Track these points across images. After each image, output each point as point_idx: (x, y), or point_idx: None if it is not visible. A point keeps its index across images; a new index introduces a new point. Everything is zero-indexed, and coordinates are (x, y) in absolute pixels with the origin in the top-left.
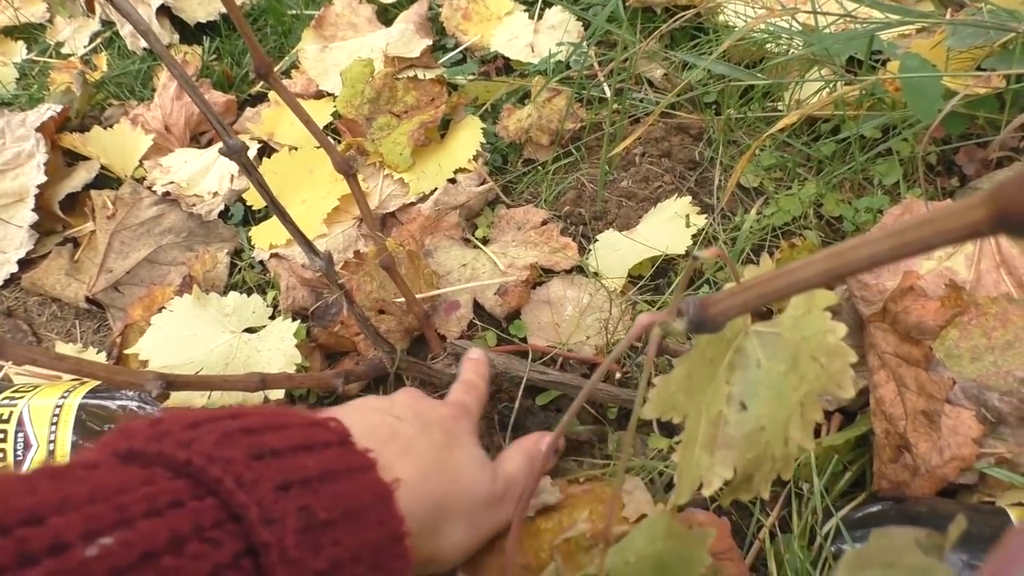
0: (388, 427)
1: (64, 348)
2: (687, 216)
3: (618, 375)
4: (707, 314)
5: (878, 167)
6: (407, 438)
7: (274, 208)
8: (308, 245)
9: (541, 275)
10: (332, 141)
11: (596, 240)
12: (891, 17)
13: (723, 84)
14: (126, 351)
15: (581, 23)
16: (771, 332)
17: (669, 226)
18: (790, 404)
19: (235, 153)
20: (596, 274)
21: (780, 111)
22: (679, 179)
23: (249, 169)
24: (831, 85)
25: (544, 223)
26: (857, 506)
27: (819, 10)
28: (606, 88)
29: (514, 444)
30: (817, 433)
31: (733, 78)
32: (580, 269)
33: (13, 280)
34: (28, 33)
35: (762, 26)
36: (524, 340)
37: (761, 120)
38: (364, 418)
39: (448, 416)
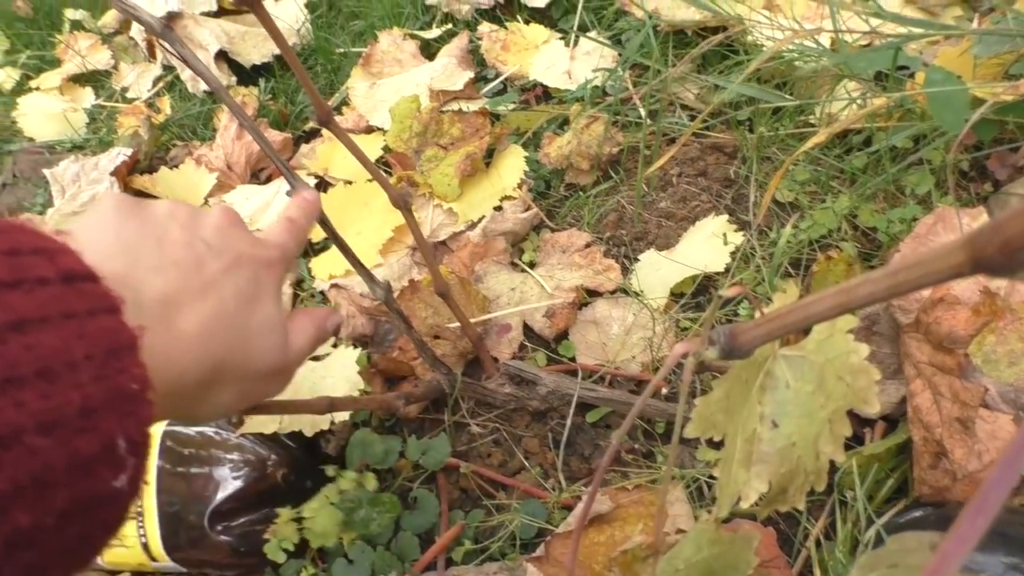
0: (193, 254)
1: None
2: (724, 234)
3: (664, 391)
4: (736, 342)
5: (910, 177)
6: (211, 275)
7: (336, 243)
8: (368, 276)
9: (586, 297)
10: (385, 175)
11: (638, 260)
12: (914, 31)
13: (755, 105)
14: None
15: (615, 48)
16: (797, 355)
17: (708, 244)
18: (819, 421)
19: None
20: (639, 294)
21: (812, 126)
22: (716, 197)
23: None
24: (860, 100)
25: (587, 246)
26: (899, 512)
27: (843, 28)
28: (641, 112)
29: (305, 314)
30: (860, 442)
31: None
32: (624, 289)
33: None
34: (95, 80)
35: (790, 46)
36: (573, 360)
37: (793, 137)
38: (167, 233)
39: (262, 261)
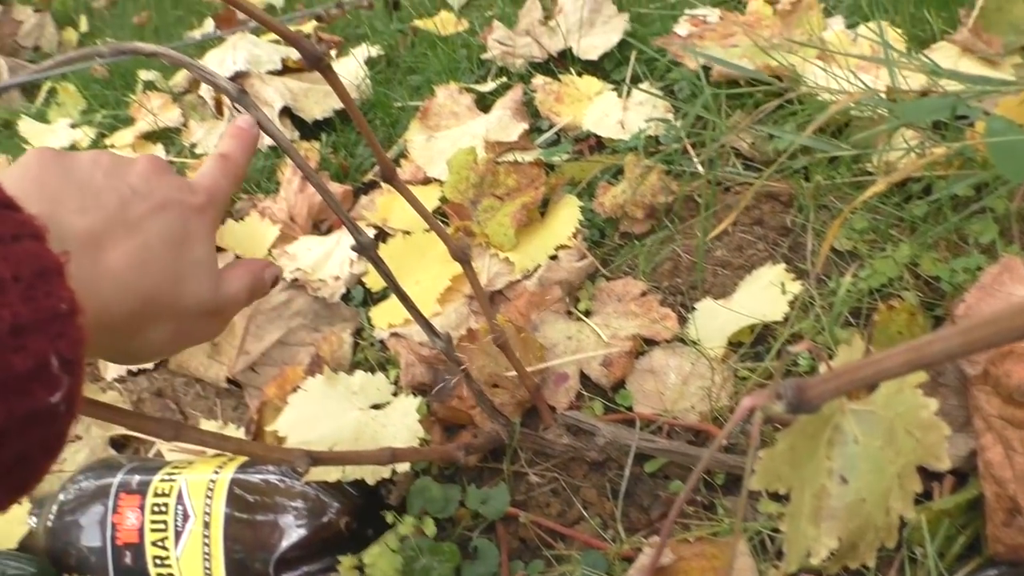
0: (118, 198)
1: (207, 425)
2: (782, 283)
3: (724, 441)
4: (805, 397)
5: (973, 226)
6: (136, 217)
7: (397, 293)
8: (428, 326)
9: (643, 345)
10: (443, 226)
11: (694, 309)
12: (972, 88)
13: (811, 154)
14: (265, 427)
15: (668, 98)
16: (866, 410)
17: (765, 293)
18: (888, 476)
19: (366, 250)
20: (696, 343)
21: (869, 174)
22: (772, 246)
23: (378, 262)
24: (919, 149)
25: (643, 294)
26: (972, 571)
27: (901, 87)
28: (698, 166)
29: (243, 263)
30: (928, 496)
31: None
32: (681, 338)
33: (162, 363)
34: (166, 136)
35: (842, 96)
36: (630, 409)
37: (850, 185)
38: (91, 180)
39: (191, 206)
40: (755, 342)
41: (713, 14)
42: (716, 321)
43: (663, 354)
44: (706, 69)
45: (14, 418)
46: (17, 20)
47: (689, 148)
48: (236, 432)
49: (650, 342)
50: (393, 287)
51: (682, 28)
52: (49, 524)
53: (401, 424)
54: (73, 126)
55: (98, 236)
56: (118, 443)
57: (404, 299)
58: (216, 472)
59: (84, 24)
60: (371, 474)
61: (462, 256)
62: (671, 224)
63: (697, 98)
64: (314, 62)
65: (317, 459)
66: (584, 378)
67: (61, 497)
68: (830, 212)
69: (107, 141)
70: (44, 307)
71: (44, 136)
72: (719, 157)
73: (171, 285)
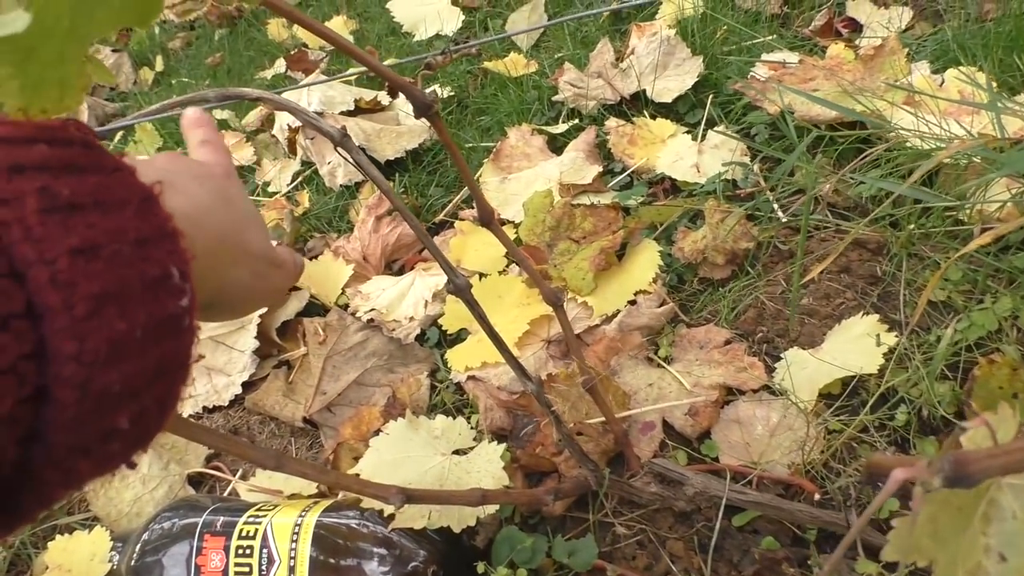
0: (155, 171)
1: None
2: (877, 335)
3: (817, 496)
4: (965, 472)
5: None
6: (181, 184)
7: (492, 337)
8: (520, 369)
9: (728, 395)
10: (533, 271)
11: (781, 359)
12: None
13: (904, 205)
14: (341, 468)
15: (744, 141)
16: None
17: (857, 344)
18: None
19: (462, 292)
20: (785, 394)
21: (961, 222)
22: (861, 295)
23: (473, 304)
24: (1019, 198)
25: (727, 342)
26: None
27: (1003, 135)
28: (776, 208)
29: (283, 248)
30: None
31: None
32: (768, 388)
33: (237, 400)
34: (240, 175)
35: (936, 142)
36: (715, 460)
37: (944, 235)
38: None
39: (220, 175)
40: (847, 394)
41: (792, 58)
42: (805, 371)
43: (750, 404)
44: (785, 114)
45: (153, 322)
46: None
47: (769, 193)
48: None
49: (735, 391)
50: (488, 331)
51: (760, 72)
52: (132, 563)
53: (485, 470)
54: None
55: (167, 182)
56: (195, 480)
57: (498, 342)
58: (301, 515)
59: (160, 64)
60: (457, 520)
61: (555, 301)
62: (753, 270)
63: (776, 142)
64: (423, 110)
65: (411, 496)
66: (667, 426)
67: (144, 536)
68: (921, 261)
69: None
70: (157, 224)
71: None
72: (805, 203)
73: (235, 231)
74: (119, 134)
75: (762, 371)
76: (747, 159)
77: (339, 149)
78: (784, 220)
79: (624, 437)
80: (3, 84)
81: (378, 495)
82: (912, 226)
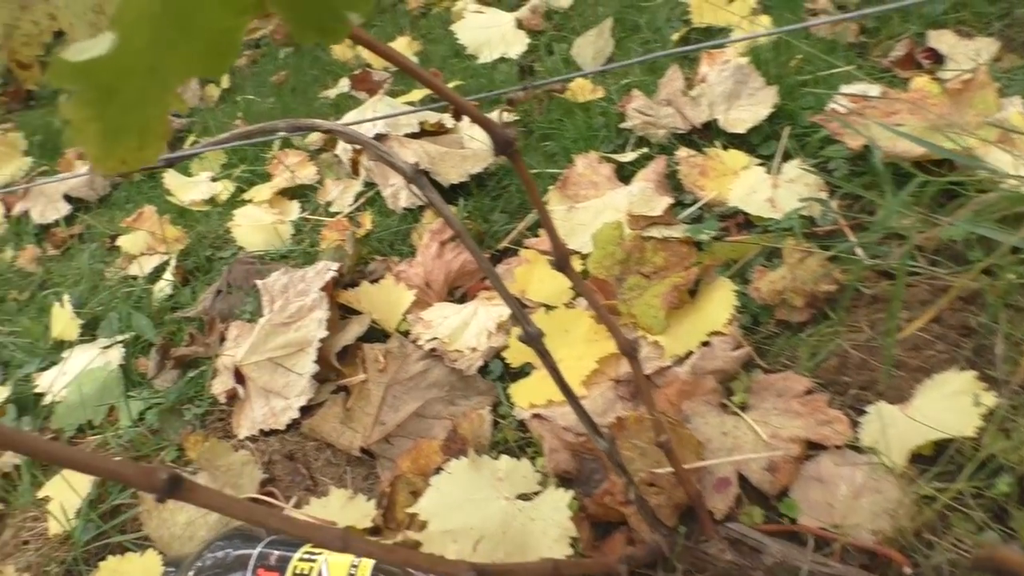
0: None
1: (336, 493)
2: (975, 394)
3: (908, 570)
4: None
5: None
6: None
7: (564, 391)
8: (592, 426)
9: (808, 448)
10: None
11: (867, 413)
12: None
13: (992, 247)
14: (398, 502)
15: (821, 176)
16: None
17: (952, 402)
18: None
19: (534, 341)
20: (873, 452)
21: None
22: (953, 347)
23: (545, 355)
24: None
25: (808, 392)
26: None
27: None
28: (858, 249)
29: None
30: None
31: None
32: (853, 445)
33: (294, 425)
34: (302, 194)
35: None
36: (794, 520)
37: None
38: None
39: None
40: (941, 456)
41: (872, 90)
42: (894, 429)
43: (832, 461)
44: (872, 149)
45: None
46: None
47: (848, 232)
48: (366, 504)
49: (816, 446)
50: (559, 382)
51: (839, 104)
52: None
53: (551, 519)
54: (214, 179)
55: None
56: None
57: (569, 396)
58: (359, 557)
59: (225, 81)
60: None
61: (631, 352)
62: (835, 315)
63: (856, 178)
64: (503, 147)
65: (483, 572)
66: (742, 479)
67: (197, 564)
68: (1019, 313)
69: (245, 196)
70: None
71: (186, 189)
72: (904, 252)
73: None
74: (186, 149)
75: (847, 426)
76: (825, 195)
77: (411, 186)
78: (869, 263)
79: (698, 497)
80: (83, 129)
81: (449, 571)
82: (1012, 275)
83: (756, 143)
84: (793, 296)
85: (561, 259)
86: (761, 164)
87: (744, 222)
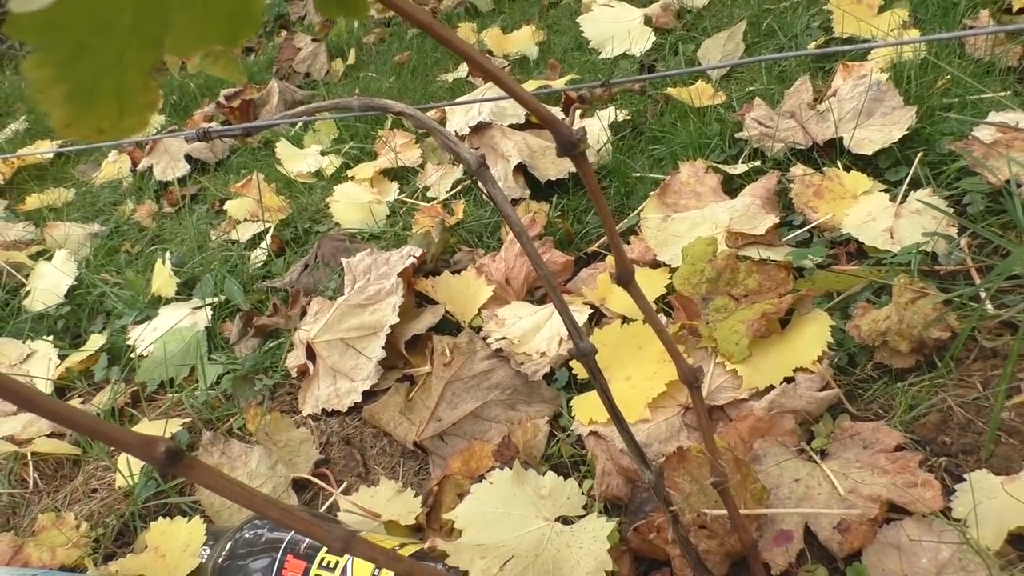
0: None
1: (386, 485)
2: None
3: None
4: None
5: None
6: None
7: (612, 413)
8: (639, 454)
9: (889, 510)
10: (665, 325)
11: (964, 481)
12: None
13: None
14: (443, 503)
15: (953, 210)
16: None
17: None
18: None
19: (584, 357)
20: (964, 526)
21: None
22: None
23: (595, 373)
24: None
25: (898, 448)
26: None
27: None
28: (983, 295)
29: None
30: None
31: None
32: (943, 515)
33: (356, 409)
34: (402, 176)
35: None
36: None
37: None
38: None
39: None
40: None
41: None
42: (993, 503)
43: (916, 529)
44: (1012, 186)
45: None
46: (296, 47)
47: (975, 275)
48: (413, 500)
49: (899, 510)
50: (607, 403)
51: (984, 133)
52: (219, 561)
53: (588, 549)
54: (323, 153)
55: None
56: (300, 485)
57: (617, 418)
58: None
59: (352, 57)
60: None
61: (692, 381)
62: (943, 366)
63: (992, 216)
64: (567, 149)
65: None
66: (808, 533)
67: (232, 542)
68: None
69: (349, 172)
70: None
71: (296, 160)
72: (1015, 291)
73: None
74: (299, 123)
75: (938, 492)
76: (954, 231)
77: (475, 179)
78: (991, 312)
79: (753, 547)
80: (46, 90)
81: None
82: None
83: (883, 167)
84: (898, 339)
85: (624, 274)
86: (885, 190)
87: (856, 251)
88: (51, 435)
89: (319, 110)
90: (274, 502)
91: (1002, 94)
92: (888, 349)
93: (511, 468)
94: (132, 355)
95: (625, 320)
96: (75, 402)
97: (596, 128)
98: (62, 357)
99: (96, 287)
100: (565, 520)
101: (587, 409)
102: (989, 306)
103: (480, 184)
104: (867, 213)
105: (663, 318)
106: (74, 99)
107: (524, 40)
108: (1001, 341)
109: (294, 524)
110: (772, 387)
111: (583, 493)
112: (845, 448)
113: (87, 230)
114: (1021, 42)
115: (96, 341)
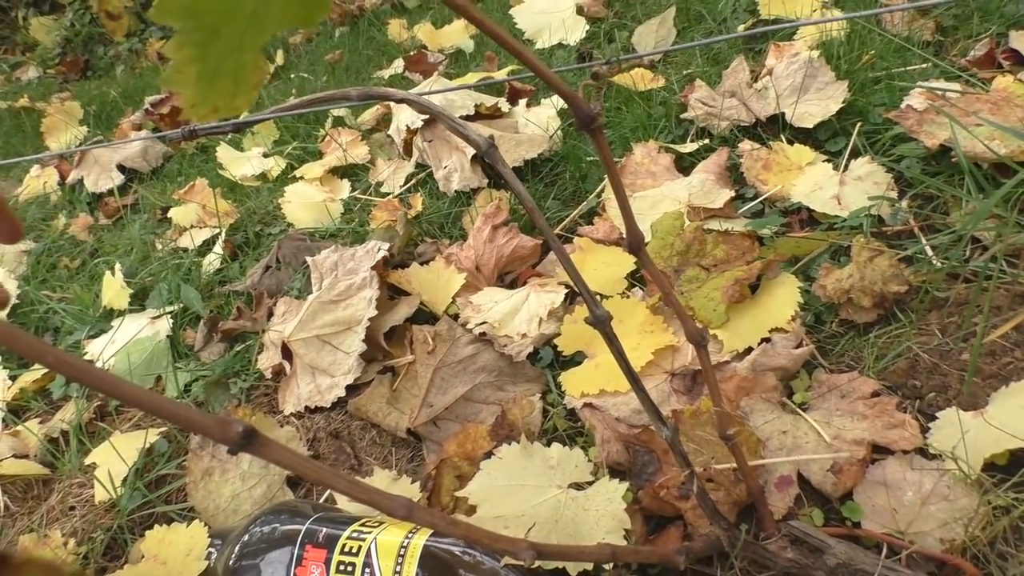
0: None
1: (381, 474)
2: None
3: None
4: None
5: None
6: None
7: (630, 377)
8: (656, 413)
9: (874, 453)
10: (641, 294)
11: (937, 419)
12: None
13: None
14: (443, 485)
15: (892, 174)
16: None
17: None
18: None
19: (601, 324)
20: (944, 458)
21: None
22: None
23: (612, 339)
24: None
25: (875, 394)
26: None
27: None
28: (928, 250)
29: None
30: None
31: None
32: (923, 451)
33: (340, 404)
34: (352, 173)
35: None
36: (856, 525)
37: None
38: None
39: None
40: (1017, 466)
41: (952, 88)
42: (968, 437)
43: (899, 466)
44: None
45: None
46: None
47: (918, 232)
48: (411, 486)
49: (883, 450)
50: (625, 369)
51: (915, 102)
52: (230, 564)
53: (604, 511)
54: (265, 155)
55: None
56: (293, 481)
57: (635, 382)
58: (408, 537)
59: (280, 58)
60: (573, 566)
61: (699, 340)
62: (904, 317)
63: (931, 178)
64: (586, 123)
65: (541, 552)
66: (802, 479)
67: (244, 538)
68: None
69: (296, 173)
70: None
71: (238, 163)
72: (958, 245)
73: None
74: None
75: (916, 431)
76: (895, 194)
77: (485, 159)
78: (941, 264)
79: (760, 493)
80: (183, 70)
81: (508, 550)
82: None
83: (823, 139)
84: (860, 296)
85: (635, 242)
86: (828, 160)
87: (807, 219)
88: (15, 456)
89: (317, 101)
90: (340, 476)
91: (923, 66)
92: (852, 305)
93: (515, 444)
94: None
95: (601, 297)
96: (33, 423)
97: (545, 115)
98: (13, 378)
99: (42, 303)
100: (577, 487)
101: (577, 383)
102: (937, 259)
103: (490, 163)
104: (813, 182)
105: (639, 293)
106: (203, 79)
107: (457, 34)
108: (952, 291)
109: (360, 495)
110: (751, 349)
111: (589, 460)
112: (824, 400)
113: (19, 247)
114: (932, 17)
115: None
